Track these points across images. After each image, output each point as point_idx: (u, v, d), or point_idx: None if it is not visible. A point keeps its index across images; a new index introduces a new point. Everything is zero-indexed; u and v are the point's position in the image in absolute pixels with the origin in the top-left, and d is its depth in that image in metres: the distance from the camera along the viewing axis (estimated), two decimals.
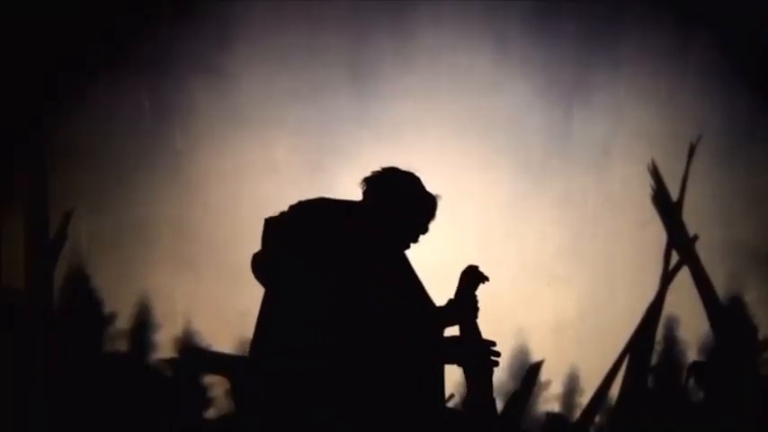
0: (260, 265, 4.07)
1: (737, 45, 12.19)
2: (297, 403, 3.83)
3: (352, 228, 4.04)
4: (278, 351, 3.98)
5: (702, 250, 11.34)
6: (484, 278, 4.31)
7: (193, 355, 12.52)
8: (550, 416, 11.62)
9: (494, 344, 4.11)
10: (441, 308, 4.20)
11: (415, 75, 13.14)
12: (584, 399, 12.18)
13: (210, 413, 12.36)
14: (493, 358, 4.06)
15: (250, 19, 12.81)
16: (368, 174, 4.22)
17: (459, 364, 4.05)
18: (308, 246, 4.00)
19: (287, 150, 13.18)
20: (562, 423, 11.44)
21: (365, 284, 3.90)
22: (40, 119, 11.07)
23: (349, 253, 3.93)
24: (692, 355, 13.09)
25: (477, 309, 4.19)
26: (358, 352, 3.86)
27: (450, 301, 4.18)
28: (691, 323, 12.83)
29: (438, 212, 4.35)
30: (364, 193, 4.18)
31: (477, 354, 4.05)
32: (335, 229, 4.01)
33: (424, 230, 4.25)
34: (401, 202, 4.16)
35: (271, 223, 4.19)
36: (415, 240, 4.21)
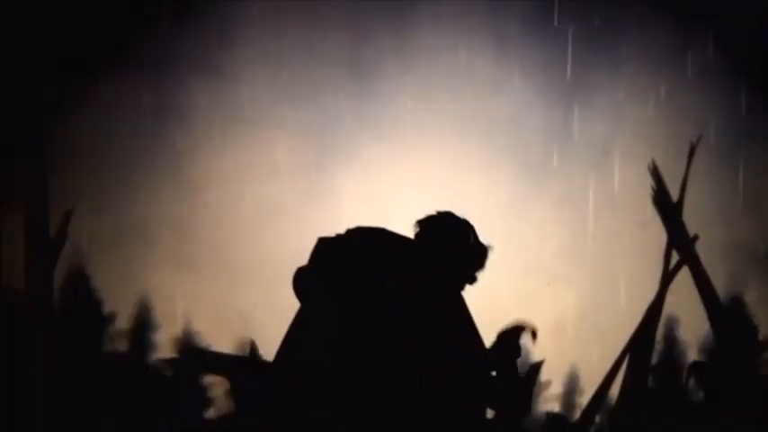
0: (304, 281, 4.04)
1: (737, 45, 12.19)
2: (304, 410, 3.83)
3: (405, 263, 4.04)
4: (300, 365, 3.98)
5: (702, 250, 11.34)
6: (533, 333, 4.31)
7: (193, 355, 12.51)
8: (550, 416, 11.62)
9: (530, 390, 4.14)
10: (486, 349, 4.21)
11: (415, 75, 13.15)
12: (584, 399, 12.18)
13: (210, 413, 12.37)
14: (526, 404, 4.09)
15: (250, 19, 12.82)
16: (424, 215, 4.22)
17: (491, 403, 4.05)
18: (359, 273, 3.99)
19: (287, 150, 13.18)
20: (562, 423, 11.44)
21: (397, 315, 3.91)
22: (40, 119, 11.07)
23: (395, 287, 3.94)
24: (692, 355, 13.10)
25: (517, 355, 4.20)
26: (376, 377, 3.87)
27: (494, 345, 4.18)
28: (691, 323, 12.84)
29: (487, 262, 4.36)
30: (417, 235, 4.18)
31: (511, 396, 4.08)
32: (389, 262, 4.02)
33: (472, 280, 4.24)
34: (453, 249, 4.16)
35: (325, 243, 4.16)
36: (462, 287, 4.20)
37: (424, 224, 4.27)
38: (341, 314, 3.99)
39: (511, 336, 4.30)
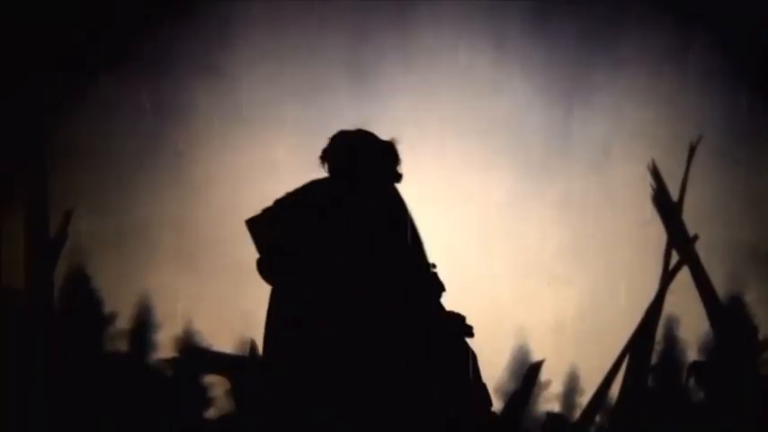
0: (267, 267, 4.01)
1: (737, 45, 12.19)
2: (302, 400, 3.77)
3: (333, 203, 3.99)
4: (284, 346, 3.93)
5: (702, 250, 11.34)
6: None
7: (193, 355, 12.52)
8: (550, 416, 11.63)
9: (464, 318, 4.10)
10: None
11: (415, 74, 13.14)
12: (584, 399, 12.17)
13: (210, 413, 12.36)
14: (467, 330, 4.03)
15: (250, 19, 12.82)
16: (322, 149, 4.19)
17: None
18: (298, 237, 3.95)
19: (287, 150, 13.18)
20: (562, 423, 11.44)
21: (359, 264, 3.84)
22: (40, 119, 11.07)
23: (338, 231, 3.88)
24: (692, 355, 13.09)
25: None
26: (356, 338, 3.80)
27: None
28: (691, 323, 12.83)
29: (402, 158, 4.35)
30: (328, 168, 4.14)
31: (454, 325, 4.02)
32: (318, 212, 3.96)
33: (399, 177, 4.22)
34: (362, 162, 4.14)
35: (257, 223, 4.12)
36: (392, 187, 4.17)
37: (327, 154, 4.23)
38: (309, 278, 3.93)
39: None
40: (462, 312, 4.26)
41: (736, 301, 12.73)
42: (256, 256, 4.12)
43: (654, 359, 11.62)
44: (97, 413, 10.53)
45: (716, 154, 12.37)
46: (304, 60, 13.01)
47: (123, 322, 14.05)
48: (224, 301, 12.38)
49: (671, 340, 14.44)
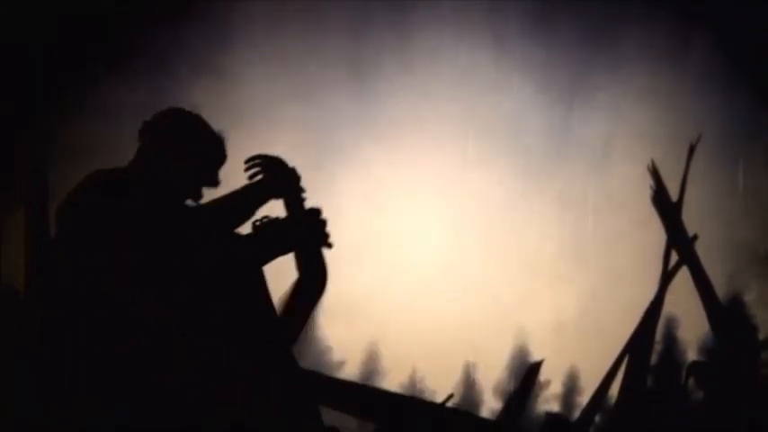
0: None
1: (737, 45, 12.21)
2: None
3: (128, 198, 3.51)
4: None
5: (702, 250, 11.35)
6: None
7: None
8: (550, 415, 11.64)
9: (319, 212, 3.70)
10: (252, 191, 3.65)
11: (414, 75, 13.15)
12: (584, 398, 12.19)
13: None
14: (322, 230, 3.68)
15: (250, 19, 12.83)
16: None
17: (290, 247, 3.59)
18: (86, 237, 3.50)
19: (287, 149, 13.21)
20: (562, 422, 11.46)
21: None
22: (41, 119, 11.08)
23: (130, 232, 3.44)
24: (692, 355, 13.10)
25: (298, 180, 3.79)
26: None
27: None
28: (691, 323, 12.83)
29: (233, 159, 3.91)
30: (142, 142, 3.68)
31: (305, 228, 3.66)
32: (113, 208, 3.49)
33: (214, 181, 3.72)
34: (178, 144, 3.62)
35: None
36: (199, 193, 3.71)
37: (146, 127, 3.74)
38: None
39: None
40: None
41: (736, 301, 12.73)
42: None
43: (654, 359, 11.62)
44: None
45: (716, 154, 12.39)
46: (304, 60, 13.03)
47: None
48: None
49: (671, 340, 14.43)
